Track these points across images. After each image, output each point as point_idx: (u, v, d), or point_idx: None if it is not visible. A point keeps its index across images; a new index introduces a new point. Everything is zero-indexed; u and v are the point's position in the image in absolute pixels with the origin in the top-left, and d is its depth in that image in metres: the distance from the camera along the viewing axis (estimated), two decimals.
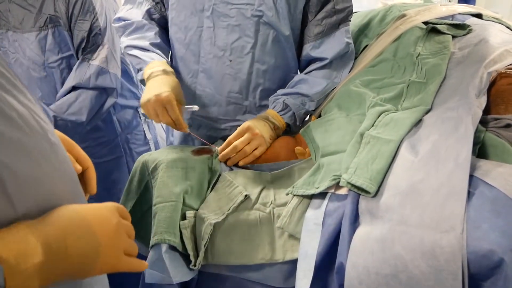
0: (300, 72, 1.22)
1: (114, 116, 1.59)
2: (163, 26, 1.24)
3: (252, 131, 1.05)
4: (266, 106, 1.20)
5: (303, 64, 1.23)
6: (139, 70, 1.14)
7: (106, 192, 1.56)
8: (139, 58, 1.13)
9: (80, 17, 1.39)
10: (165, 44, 1.23)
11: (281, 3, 1.08)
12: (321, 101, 1.17)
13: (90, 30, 1.39)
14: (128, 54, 1.17)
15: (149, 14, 1.21)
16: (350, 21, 1.16)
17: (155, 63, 1.09)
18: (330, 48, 1.14)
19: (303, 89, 1.14)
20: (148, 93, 1.01)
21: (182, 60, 1.20)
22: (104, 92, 1.44)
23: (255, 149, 1.04)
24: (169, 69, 1.09)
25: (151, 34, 1.18)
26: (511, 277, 0.60)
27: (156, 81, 1.04)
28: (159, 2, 1.20)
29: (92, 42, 1.41)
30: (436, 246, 0.64)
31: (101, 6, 1.41)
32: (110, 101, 1.47)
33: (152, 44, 1.16)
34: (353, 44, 1.18)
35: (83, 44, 1.41)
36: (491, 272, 0.62)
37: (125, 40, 1.19)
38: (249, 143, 1.03)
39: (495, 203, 0.66)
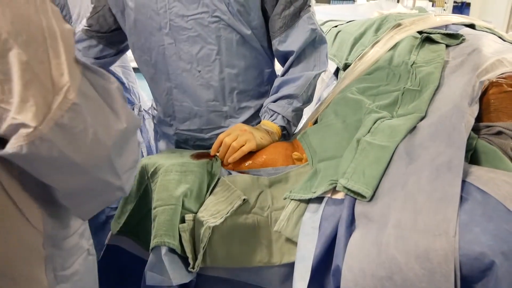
0: (282, 67, 1.21)
1: None
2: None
3: (241, 128, 1.07)
4: (246, 108, 1.20)
5: (279, 60, 1.22)
6: None
7: None
8: None
9: None
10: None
11: (233, 5, 1.07)
12: (310, 91, 1.16)
13: None
14: None
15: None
16: (310, 6, 1.14)
17: None
18: (295, 39, 1.12)
19: (284, 91, 1.14)
20: None
21: (153, 80, 1.20)
22: None
23: (244, 145, 1.04)
24: None
25: None
26: (501, 279, 0.62)
27: None
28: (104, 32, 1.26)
29: None
30: (429, 249, 0.66)
31: (77, 16, 1.41)
32: None
33: None
34: (319, 28, 1.16)
35: None
36: (482, 274, 0.64)
37: None
38: (236, 139, 1.04)
39: (486, 207, 0.68)
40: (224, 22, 1.09)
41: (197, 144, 1.25)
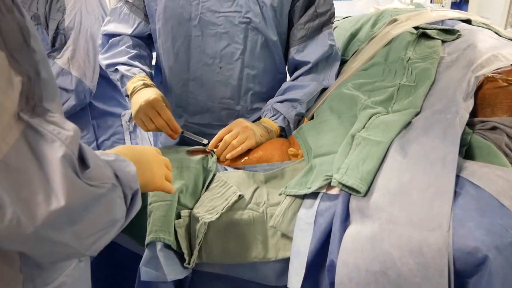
0: (290, 75, 1.24)
1: (93, 121, 1.59)
2: (147, 40, 1.26)
3: (242, 124, 1.08)
4: (257, 109, 1.22)
5: (290, 67, 1.25)
6: (122, 85, 1.17)
7: None
8: (122, 73, 1.16)
9: (51, 16, 1.40)
10: (144, 51, 1.24)
11: (267, 10, 1.10)
12: (311, 102, 1.19)
13: (57, 28, 1.40)
14: (110, 72, 1.21)
15: (140, 28, 1.22)
16: (333, 23, 1.18)
17: (136, 78, 1.13)
18: (313, 51, 1.16)
19: (291, 95, 1.16)
20: (136, 104, 1.06)
21: (171, 70, 1.20)
22: (64, 92, 1.44)
23: (243, 142, 1.05)
24: (150, 82, 1.13)
25: (125, 48, 1.20)
26: (495, 274, 0.62)
27: (141, 92, 1.08)
28: (146, 15, 1.21)
29: (57, 41, 1.42)
30: (423, 244, 0.66)
31: (72, 8, 1.41)
32: (69, 103, 1.46)
33: (131, 58, 1.18)
34: (337, 45, 1.20)
35: (55, 44, 1.43)
36: (476, 268, 0.64)
37: (101, 58, 1.23)
38: (237, 137, 1.05)
39: (480, 202, 0.69)
40: (254, 24, 1.11)
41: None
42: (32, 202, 0.47)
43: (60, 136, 0.50)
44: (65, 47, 1.42)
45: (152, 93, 1.06)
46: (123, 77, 1.16)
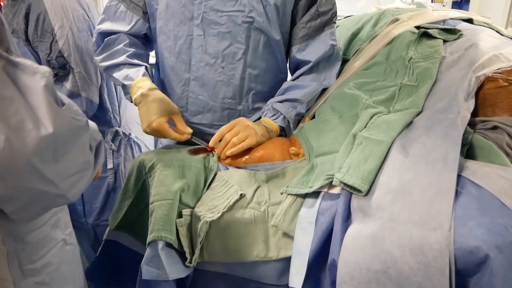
0: (291, 74, 1.24)
1: None
2: (143, 39, 1.24)
3: (243, 123, 1.08)
4: (258, 109, 1.22)
5: (291, 66, 1.25)
6: (126, 93, 1.15)
7: None
8: (120, 82, 1.14)
9: (40, 38, 1.37)
10: (140, 50, 1.22)
11: (271, 9, 1.09)
12: (312, 102, 1.19)
13: (50, 51, 1.37)
14: (109, 76, 1.18)
15: (138, 26, 1.20)
16: (335, 23, 1.18)
17: (135, 85, 1.09)
18: (314, 50, 1.16)
19: (292, 95, 1.16)
20: (142, 125, 1.05)
21: (172, 69, 1.19)
22: None
23: (244, 140, 1.06)
24: (147, 86, 1.07)
25: (122, 46, 1.18)
26: (496, 273, 0.62)
27: (143, 109, 1.05)
28: (146, 12, 1.19)
29: (58, 65, 1.40)
30: (424, 243, 0.66)
31: (61, 28, 1.37)
32: None
33: (129, 56, 1.16)
34: (338, 45, 1.20)
35: (51, 67, 1.39)
36: (477, 268, 0.64)
37: (97, 60, 1.19)
38: (237, 135, 1.06)
39: (481, 201, 0.69)
40: (257, 23, 1.10)
41: (204, 139, 1.25)
42: (22, 129, 0.51)
43: (39, 69, 0.54)
44: (71, 70, 1.40)
45: (153, 111, 1.02)
46: (124, 86, 1.14)
